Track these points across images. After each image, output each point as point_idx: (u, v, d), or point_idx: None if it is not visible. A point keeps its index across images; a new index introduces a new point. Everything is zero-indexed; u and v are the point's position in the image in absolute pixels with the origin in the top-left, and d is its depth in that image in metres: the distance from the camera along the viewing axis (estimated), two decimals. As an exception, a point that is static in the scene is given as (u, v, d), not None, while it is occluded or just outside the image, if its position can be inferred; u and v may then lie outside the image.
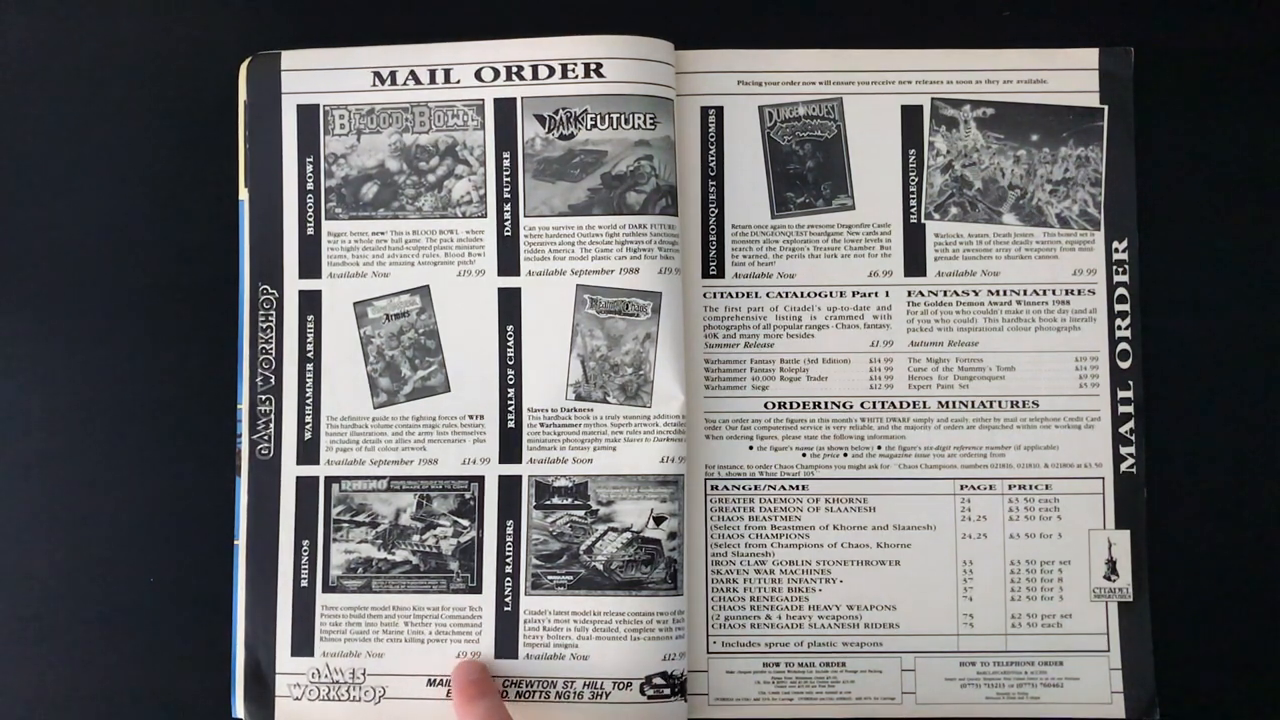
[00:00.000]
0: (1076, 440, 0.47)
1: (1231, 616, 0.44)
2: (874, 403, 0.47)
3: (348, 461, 0.47)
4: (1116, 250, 0.47)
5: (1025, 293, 0.47)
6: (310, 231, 0.47)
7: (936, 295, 0.47)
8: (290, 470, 0.47)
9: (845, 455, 0.47)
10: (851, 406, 0.47)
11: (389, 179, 0.47)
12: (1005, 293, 0.47)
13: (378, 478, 0.47)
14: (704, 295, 0.48)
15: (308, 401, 0.47)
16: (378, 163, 0.47)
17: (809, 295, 0.48)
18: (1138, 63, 0.48)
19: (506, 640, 0.46)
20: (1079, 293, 0.47)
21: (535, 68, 0.47)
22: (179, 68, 0.49)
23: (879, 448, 0.47)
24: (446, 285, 0.47)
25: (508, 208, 0.47)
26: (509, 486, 0.46)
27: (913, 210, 0.48)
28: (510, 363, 0.47)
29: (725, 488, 0.47)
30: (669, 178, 0.46)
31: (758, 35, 0.48)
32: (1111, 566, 0.46)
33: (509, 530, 0.46)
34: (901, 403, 0.47)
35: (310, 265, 0.47)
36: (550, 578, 0.46)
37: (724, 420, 0.47)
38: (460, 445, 0.46)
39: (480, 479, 0.46)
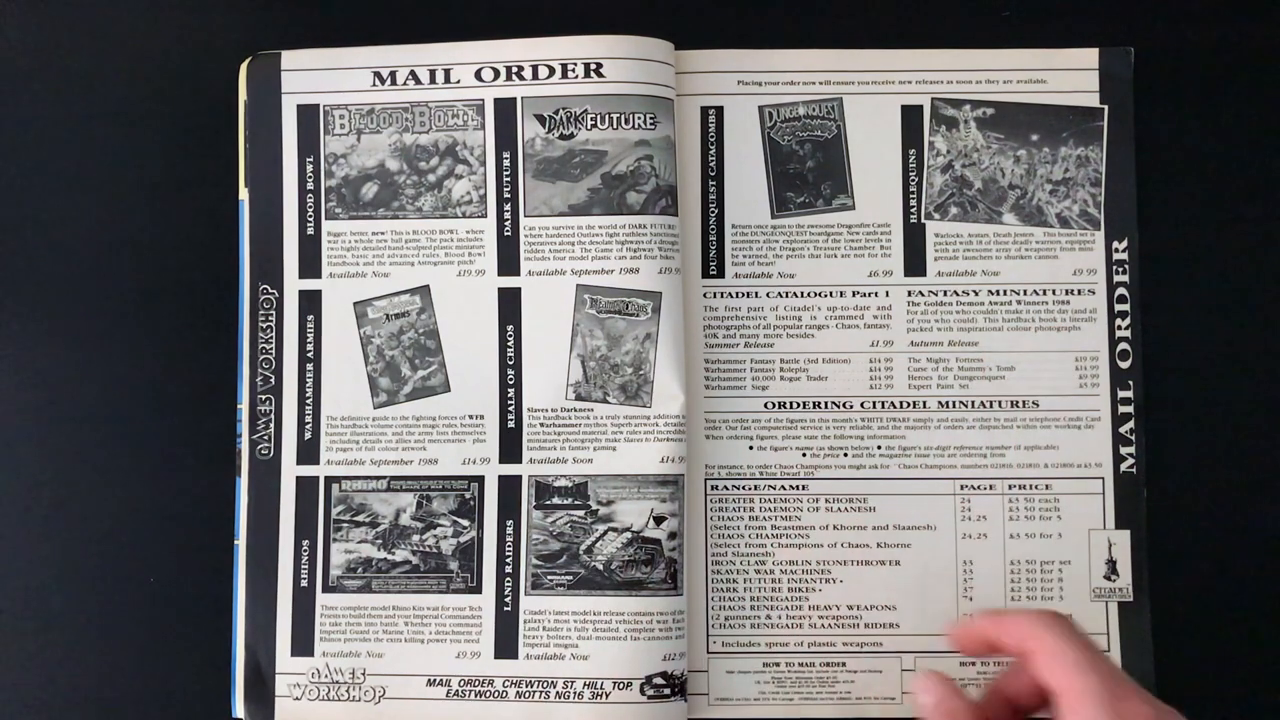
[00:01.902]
0: (1076, 440, 0.47)
1: (1231, 616, 0.44)
2: (874, 403, 0.47)
3: (348, 461, 0.47)
4: (1116, 250, 0.47)
5: (1025, 293, 0.47)
6: (310, 231, 0.47)
7: (936, 295, 0.47)
8: (290, 470, 0.47)
9: (845, 455, 0.47)
10: (851, 406, 0.47)
11: (389, 179, 0.47)
12: (1005, 293, 0.47)
13: (378, 478, 0.47)
14: (704, 295, 0.48)
15: (308, 401, 0.47)
16: (378, 162, 0.47)
17: (809, 295, 0.48)
18: (1138, 63, 0.48)
19: (506, 640, 0.46)
20: (1079, 293, 0.47)
21: (535, 68, 0.47)
22: (179, 68, 0.49)
23: (879, 448, 0.47)
24: (446, 285, 0.47)
25: (508, 208, 0.47)
26: (509, 486, 0.46)
27: (913, 210, 0.48)
28: (510, 363, 0.47)
29: (725, 488, 0.47)
30: (669, 178, 0.46)
31: (758, 35, 0.48)
32: (1111, 566, 0.46)
33: (509, 530, 0.46)
34: (901, 403, 0.47)
35: (310, 265, 0.47)
36: (550, 578, 0.46)
37: (724, 420, 0.47)
38: (460, 445, 0.46)
39: (480, 479, 0.46)
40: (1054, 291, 0.47)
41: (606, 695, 0.45)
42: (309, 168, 0.47)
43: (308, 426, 0.47)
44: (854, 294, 0.48)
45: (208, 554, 0.47)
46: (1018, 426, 0.47)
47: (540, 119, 0.47)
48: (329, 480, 0.47)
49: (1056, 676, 0.35)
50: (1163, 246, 0.48)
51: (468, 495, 0.46)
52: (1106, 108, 0.48)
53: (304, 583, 0.46)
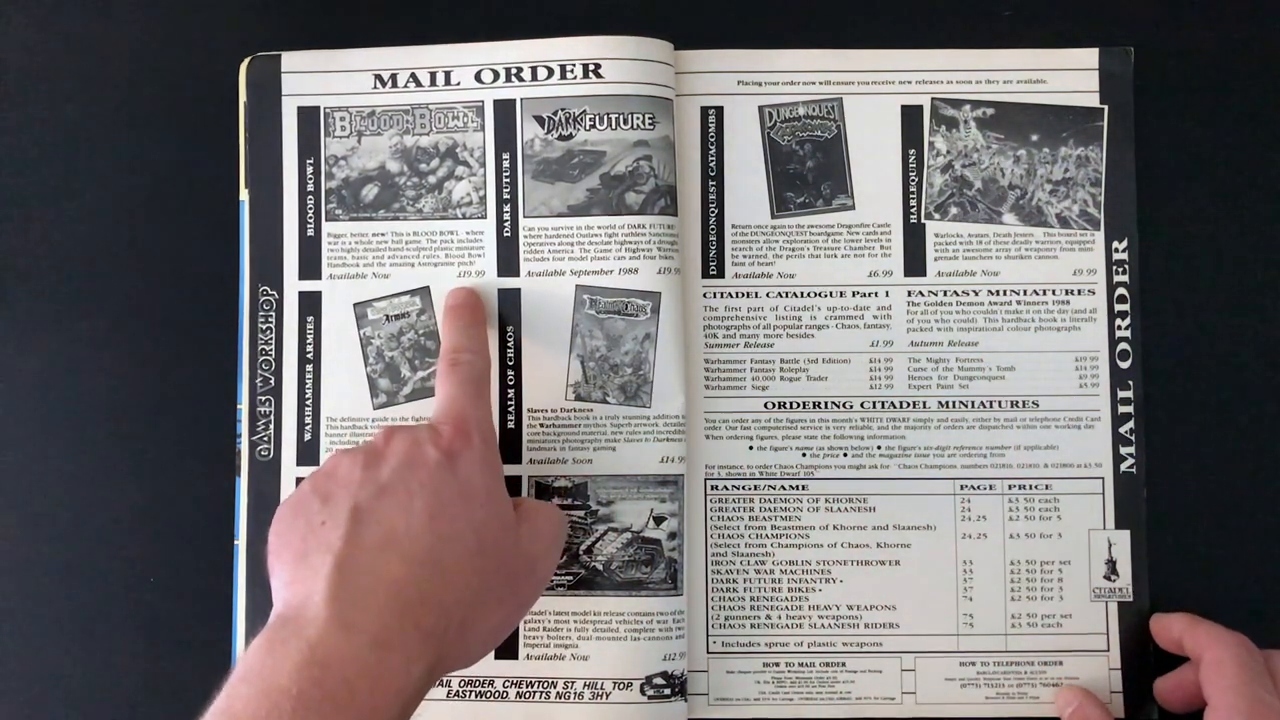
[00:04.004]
0: (1076, 440, 0.47)
1: (1231, 617, 0.44)
2: (874, 403, 0.47)
3: (348, 462, 0.47)
4: (1116, 250, 0.47)
5: (1025, 293, 0.47)
6: (310, 233, 0.47)
7: (936, 295, 0.47)
8: (290, 471, 0.47)
9: (845, 455, 0.47)
10: (851, 406, 0.47)
11: (389, 180, 0.47)
12: (1005, 293, 0.47)
13: (378, 478, 0.46)
14: (704, 295, 0.48)
15: (308, 402, 0.47)
16: (378, 164, 0.47)
17: (809, 295, 0.48)
18: (1138, 63, 0.48)
19: (506, 640, 0.46)
20: (1079, 293, 0.47)
21: (534, 69, 0.47)
22: (179, 68, 0.49)
23: (879, 448, 0.47)
24: (446, 286, 0.47)
25: (507, 209, 0.47)
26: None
27: (913, 210, 0.48)
28: (510, 363, 0.47)
29: (725, 488, 0.47)
30: (668, 178, 0.46)
31: (758, 35, 0.48)
32: (1111, 566, 0.46)
33: (509, 530, 0.46)
34: (901, 403, 0.47)
35: (310, 266, 0.47)
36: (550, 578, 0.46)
37: (724, 420, 0.47)
38: (460, 446, 0.46)
39: (480, 479, 0.46)
40: (1054, 291, 0.47)
41: (606, 695, 0.45)
42: (309, 169, 0.47)
43: (307, 427, 0.47)
44: (854, 294, 0.47)
45: (208, 554, 0.47)
46: (1018, 426, 0.47)
47: (539, 120, 0.47)
48: (329, 481, 0.46)
49: (1210, 687, 0.40)
50: (1163, 246, 0.48)
51: (468, 495, 0.46)
52: (1106, 108, 0.48)
53: (304, 583, 0.46)
